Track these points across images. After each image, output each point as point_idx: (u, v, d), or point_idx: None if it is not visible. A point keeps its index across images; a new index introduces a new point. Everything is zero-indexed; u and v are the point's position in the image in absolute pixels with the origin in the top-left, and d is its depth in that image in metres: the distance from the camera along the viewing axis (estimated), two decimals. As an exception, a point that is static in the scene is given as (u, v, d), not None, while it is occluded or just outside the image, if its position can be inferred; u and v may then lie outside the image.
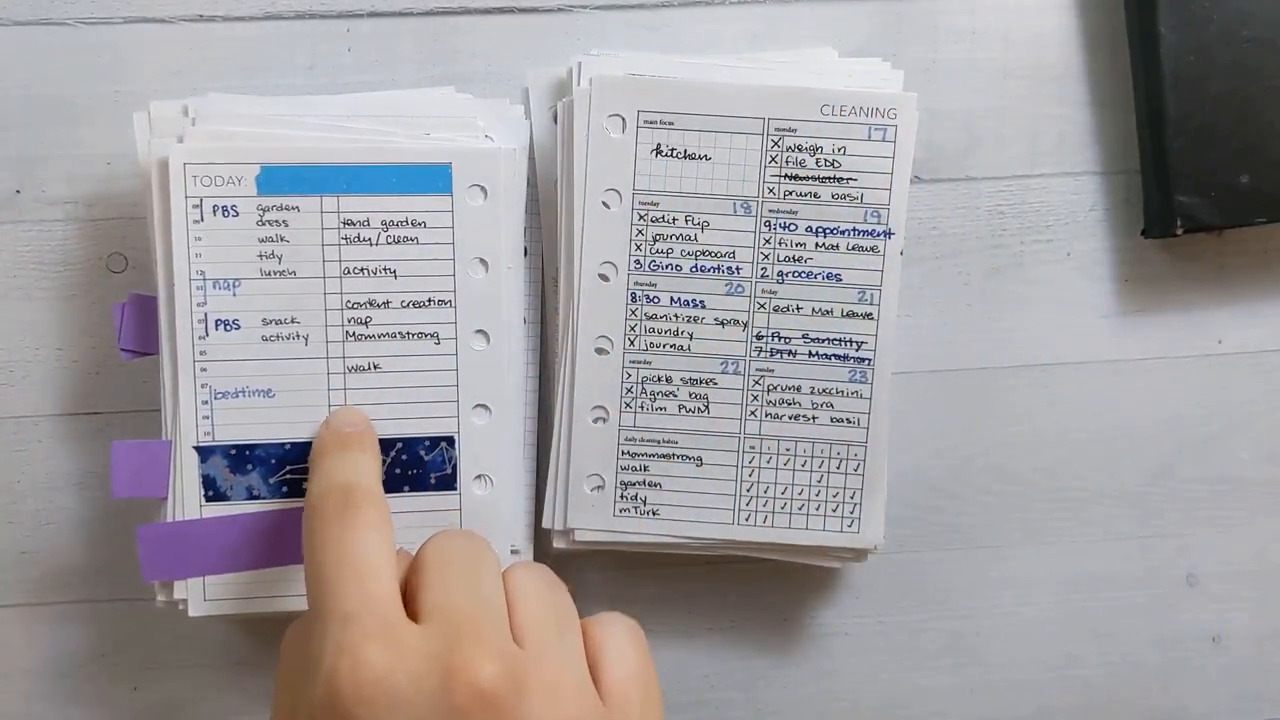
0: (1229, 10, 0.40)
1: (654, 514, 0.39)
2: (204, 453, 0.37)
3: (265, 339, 0.37)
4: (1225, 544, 0.44)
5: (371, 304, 0.37)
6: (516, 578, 0.31)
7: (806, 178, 0.38)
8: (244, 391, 0.37)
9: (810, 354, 0.39)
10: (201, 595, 0.37)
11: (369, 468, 0.34)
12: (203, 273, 0.37)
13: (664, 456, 0.39)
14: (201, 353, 0.37)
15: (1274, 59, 0.40)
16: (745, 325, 0.39)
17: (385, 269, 0.37)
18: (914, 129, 0.38)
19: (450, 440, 0.38)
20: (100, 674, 0.41)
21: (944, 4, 0.42)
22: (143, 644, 0.41)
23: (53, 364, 0.40)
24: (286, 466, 0.37)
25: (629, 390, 0.39)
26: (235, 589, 0.37)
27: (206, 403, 0.37)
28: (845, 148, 0.38)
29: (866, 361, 0.39)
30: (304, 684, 0.28)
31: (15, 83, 0.40)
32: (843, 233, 0.39)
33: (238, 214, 0.36)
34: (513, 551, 0.39)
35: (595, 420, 0.39)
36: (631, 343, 0.39)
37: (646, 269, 0.39)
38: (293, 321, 0.37)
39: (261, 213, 0.36)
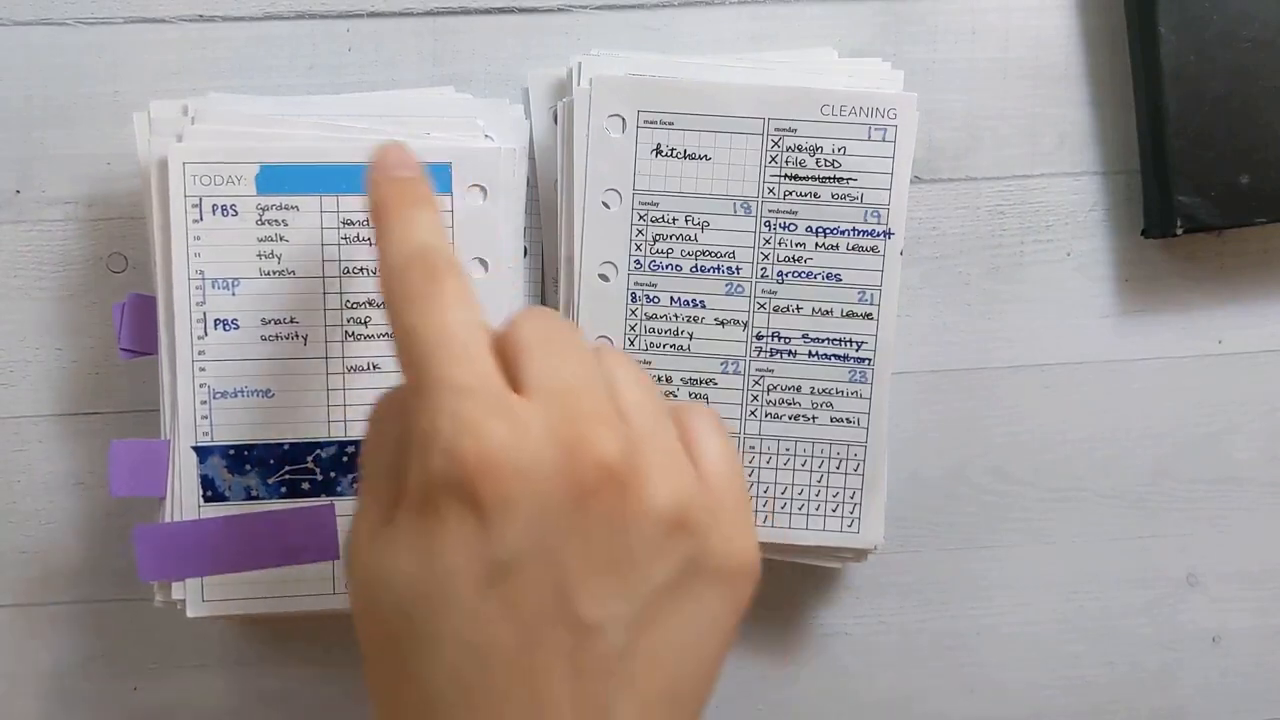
0: (1229, 11, 0.40)
1: (654, 514, 0.39)
2: (202, 453, 0.37)
3: (264, 339, 0.37)
4: (1225, 544, 0.44)
5: (371, 304, 0.37)
6: (610, 363, 0.29)
7: (806, 178, 0.38)
8: (243, 391, 0.37)
9: (810, 354, 0.39)
10: (200, 596, 0.37)
11: (439, 226, 0.31)
12: (202, 272, 0.36)
13: (664, 456, 0.39)
14: (200, 352, 0.37)
15: (1274, 60, 0.40)
16: (745, 325, 0.39)
17: (385, 269, 0.37)
18: (914, 129, 0.38)
19: (450, 440, 0.38)
20: (100, 674, 0.41)
21: (944, 4, 0.42)
22: (142, 644, 0.41)
23: (52, 364, 0.40)
24: (285, 467, 0.37)
25: (629, 390, 0.39)
26: (233, 589, 0.37)
27: (205, 403, 0.37)
28: (845, 148, 0.38)
29: (866, 361, 0.39)
30: (414, 458, 0.27)
31: (15, 83, 0.40)
32: (843, 233, 0.39)
33: (237, 213, 0.36)
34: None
35: (595, 420, 0.39)
36: (631, 343, 0.39)
37: (646, 269, 0.39)
38: (292, 321, 0.37)
39: (261, 212, 0.36)
